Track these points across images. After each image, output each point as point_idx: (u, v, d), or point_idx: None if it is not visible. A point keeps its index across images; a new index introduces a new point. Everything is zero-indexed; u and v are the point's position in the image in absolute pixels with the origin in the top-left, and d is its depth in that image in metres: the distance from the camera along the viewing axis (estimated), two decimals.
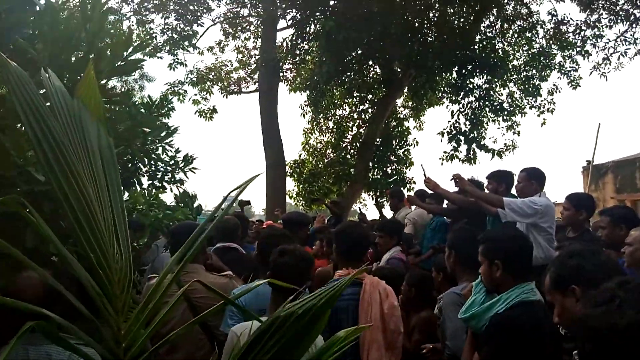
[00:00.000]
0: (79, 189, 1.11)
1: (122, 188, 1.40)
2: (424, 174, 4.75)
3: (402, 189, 9.68)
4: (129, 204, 4.04)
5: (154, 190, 4.81)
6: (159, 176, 4.98)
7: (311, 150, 14.54)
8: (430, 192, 5.69)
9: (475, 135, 11.88)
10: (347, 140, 14.12)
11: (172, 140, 5.00)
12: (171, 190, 5.48)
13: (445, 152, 12.14)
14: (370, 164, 12.97)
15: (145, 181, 4.93)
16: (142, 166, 4.82)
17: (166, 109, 4.94)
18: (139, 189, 4.58)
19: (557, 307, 1.76)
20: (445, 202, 5.47)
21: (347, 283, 1.26)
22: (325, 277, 3.62)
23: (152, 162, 4.67)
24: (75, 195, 1.10)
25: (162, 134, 4.33)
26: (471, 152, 11.91)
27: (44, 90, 1.31)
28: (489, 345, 2.18)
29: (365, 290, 2.77)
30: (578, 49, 12.54)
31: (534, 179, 4.35)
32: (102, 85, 3.01)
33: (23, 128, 2.54)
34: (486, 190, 4.73)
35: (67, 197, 1.09)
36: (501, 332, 2.14)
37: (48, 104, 1.22)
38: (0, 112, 2.38)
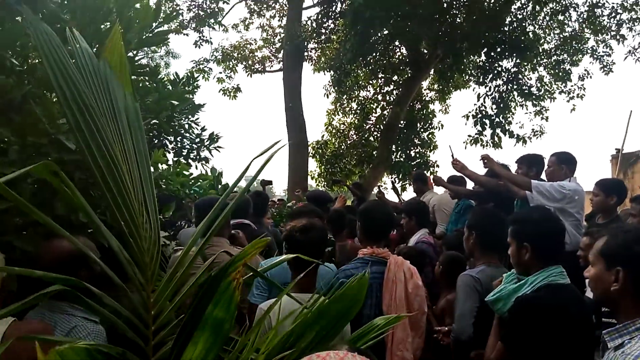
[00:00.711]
0: (108, 155, 1.09)
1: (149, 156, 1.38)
2: (452, 155, 4.65)
3: (425, 172, 9.54)
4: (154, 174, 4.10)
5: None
6: (184, 153, 5.02)
7: (334, 131, 14.43)
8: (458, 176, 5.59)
9: (501, 119, 11.63)
10: (371, 122, 13.97)
11: (198, 118, 5.01)
12: (196, 168, 5.51)
13: (469, 136, 11.95)
14: (394, 146, 12.83)
15: (170, 157, 4.96)
16: (167, 142, 4.84)
17: (192, 86, 4.94)
18: (164, 166, 4.62)
19: (596, 270, 1.70)
20: (471, 184, 5.37)
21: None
22: (351, 253, 3.63)
23: (179, 138, 4.69)
24: (105, 162, 1.08)
25: (188, 109, 4.33)
26: (495, 137, 11.68)
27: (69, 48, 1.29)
28: (511, 326, 2.13)
29: (390, 269, 2.74)
30: (613, 33, 12.09)
31: (564, 163, 4.24)
32: (131, 57, 3.00)
33: (54, 97, 2.55)
34: (516, 174, 4.62)
35: (97, 163, 1.07)
36: (524, 313, 2.07)
37: (73, 60, 1.19)
38: (31, 80, 2.38)
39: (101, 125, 1.11)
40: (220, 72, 14.94)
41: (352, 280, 1.60)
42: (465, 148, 12.02)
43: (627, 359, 1.48)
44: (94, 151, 1.07)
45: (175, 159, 4.92)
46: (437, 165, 13.04)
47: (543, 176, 4.49)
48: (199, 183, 4.20)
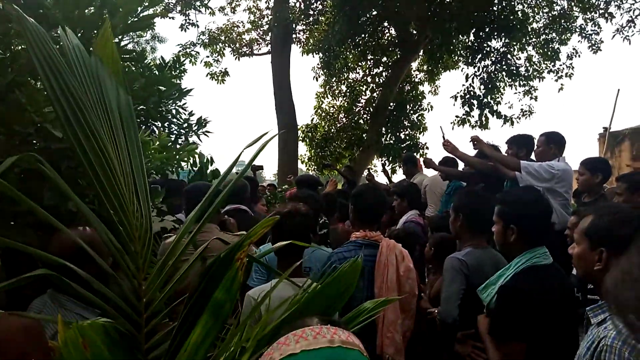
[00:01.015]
0: (97, 146, 1.09)
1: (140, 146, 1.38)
2: (443, 136, 4.67)
3: (415, 154, 9.58)
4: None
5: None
6: (172, 138, 4.98)
7: (323, 114, 14.40)
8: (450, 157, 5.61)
9: (489, 100, 11.64)
10: (360, 104, 13.96)
11: (185, 103, 4.96)
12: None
13: (457, 117, 11.97)
14: (384, 128, 12.84)
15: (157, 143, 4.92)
16: (155, 128, 4.79)
17: (178, 70, 4.89)
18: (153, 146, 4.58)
19: (579, 250, 1.74)
20: (462, 165, 5.40)
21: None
22: (342, 237, 3.65)
23: (166, 123, 4.64)
24: (94, 151, 1.08)
25: (176, 95, 4.28)
26: (483, 118, 11.70)
27: (59, 45, 1.28)
28: (496, 317, 2.14)
29: (382, 253, 2.76)
30: (601, 11, 12.09)
31: (553, 143, 4.28)
32: (116, 43, 2.95)
33: (39, 84, 2.51)
34: (505, 155, 4.65)
35: (86, 153, 1.06)
36: (507, 302, 2.08)
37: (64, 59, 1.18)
38: (15, 68, 2.33)
39: (90, 117, 1.11)
40: (208, 56, 14.79)
41: (345, 265, 1.62)
42: (453, 129, 12.08)
43: (609, 333, 1.52)
44: (82, 142, 1.07)
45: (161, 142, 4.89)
46: (427, 147, 13.11)
47: (533, 157, 4.53)
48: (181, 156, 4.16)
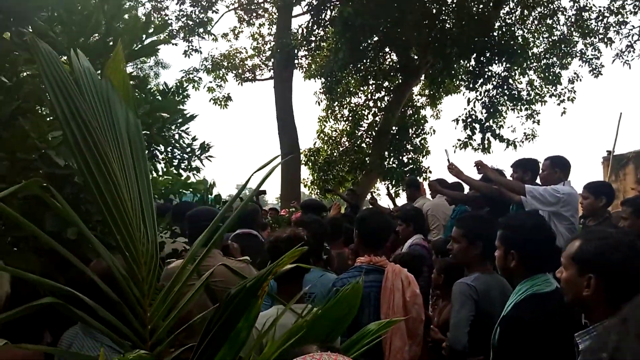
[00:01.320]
0: (106, 170, 1.09)
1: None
2: (448, 159, 4.66)
3: (418, 178, 9.58)
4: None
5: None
6: (175, 163, 4.99)
7: (326, 138, 14.45)
8: (450, 181, 5.60)
9: (491, 123, 11.69)
10: (363, 128, 14.00)
11: (188, 128, 4.99)
12: (187, 178, 5.47)
13: (459, 140, 12.00)
14: (386, 152, 12.86)
15: (160, 168, 4.93)
16: (158, 153, 4.82)
17: (181, 96, 4.93)
18: (155, 175, 4.59)
19: (567, 275, 1.72)
20: (467, 189, 5.39)
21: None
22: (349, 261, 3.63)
23: (169, 148, 4.66)
24: (102, 175, 1.08)
25: (179, 120, 4.31)
26: (485, 141, 11.72)
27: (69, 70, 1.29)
28: (499, 348, 2.10)
29: (388, 278, 2.74)
30: (600, 36, 12.25)
31: (558, 167, 4.28)
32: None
33: (43, 111, 2.53)
34: (510, 179, 4.65)
35: (93, 177, 1.06)
36: (509, 332, 2.05)
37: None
38: (21, 95, 2.36)
39: (99, 141, 1.11)
40: (211, 82, 14.96)
41: (346, 288, 1.60)
42: (455, 152, 12.08)
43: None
44: (90, 165, 1.07)
45: (165, 168, 4.90)
46: (430, 171, 13.11)
47: (539, 180, 4.53)
48: (193, 188, 4.19)
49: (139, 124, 1.30)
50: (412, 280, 2.80)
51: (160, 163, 4.74)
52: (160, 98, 4.25)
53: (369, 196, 8.47)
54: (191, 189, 4.45)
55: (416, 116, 13.89)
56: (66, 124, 1.06)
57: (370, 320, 2.67)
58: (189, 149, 4.96)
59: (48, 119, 2.46)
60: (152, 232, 1.18)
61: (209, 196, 6.01)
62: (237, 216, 1.29)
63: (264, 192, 8.49)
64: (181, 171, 5.04)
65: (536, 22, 12.75)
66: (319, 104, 14.24)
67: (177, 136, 4.74)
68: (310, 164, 13.87)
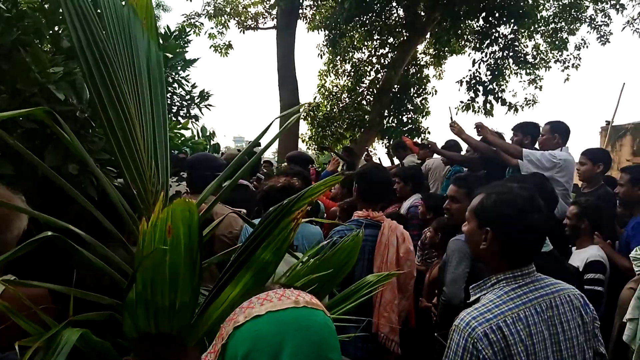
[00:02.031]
0: (118, 103, 1.06)
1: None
2: (451, 117, 4.64)
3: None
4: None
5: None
6: (174, 110, 4.91)
7: (326, 93, 14.28)
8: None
9: (495, 86, 11.58)
10: (364, 85, 13.81)
11: (188, 75, 4.88)
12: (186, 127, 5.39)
13: (461, 102, 11.91)
14: (386, 111, 12.77)
15: None
16: None
17: (183, 40, 4.80)
18: None
19: (468, 228, 1.77)
20: (465, 150, 5.39)
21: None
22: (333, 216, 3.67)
23: (168, 94, 4.59)
24: (114, 108, 1.05)
25: (180, 65, 4.22)
26: (488, 104, 11.64)
27: None
28: None
29: (384, 233, 2.78)
30: (612, 2, 11.94)
31: (558, 132, 4.28)
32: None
33: (45, 46, 2.46)
34: (509, 142, 4.64)
35: (105, 109, 1.03)
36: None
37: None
38: (21, 27, 2.29)
39: (114, 73, 1.07)
40: (212, 28, 14.58)
41: (347, 238, 1.62)
42: (457, 114, 12.01)
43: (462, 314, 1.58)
44: (103, 96, 1.04)
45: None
46: (429, 132, 13.04)
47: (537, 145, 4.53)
48: (193, 144, 4.17)
49: (160, 57, 1.26)
50: (406, 237, 2.85)
51: None
52: (161, 41, 4.15)
53: (365, 154, 8.46)
54: (191, 144, 4.41)
55: (419, 75, 13.71)
56: (81, 52, 1.02)
57: (363, 273, 2.72)
58: (188, 96, 4.88)
59: (50, 55, 2.40)
60: (164, 173, 1.17)
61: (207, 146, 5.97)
62: (251, 165, 1.28)
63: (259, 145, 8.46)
64: (179, 118, 4.97)
65: None
66: (321, 57, 13.98)
67: (176, 83, 4.65)
68: (309, 119, 13.76)
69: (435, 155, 6.25)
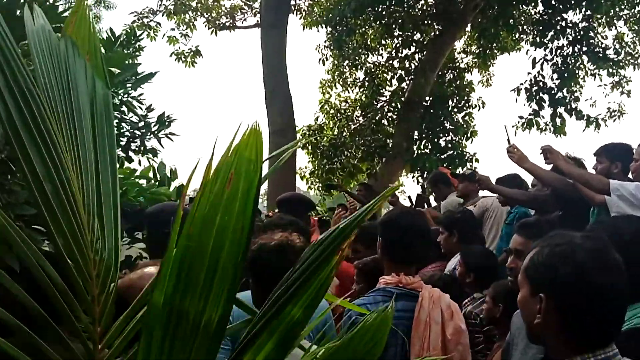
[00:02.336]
0: (45, 147, 1.09)
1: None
2: (508, 140, 4.63)
3: (446, 169, 9.44)
4: None
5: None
6: (122, 143, 4.93)
7: (332, 111, 14.42)
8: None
9: (565, 94, 11.67)
10: (384, 98, 13.99)
11: (142, 94, 4.92)
12: (139, 164, 5.41)
13: (521, 118, 11.98)
14: (416, 132, 12.87)
15: None
16: None
17: (133, 47, 4.88)
18: None
19: (520, 296, 1.73)
20: (530, 184, 5.38)
21: None
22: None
23: (115, 121, 4.64)
24: (38, 153, 1.07)
25: (130, 83, 4.28)
26: (557, 118, 11.71)
27: None
28: None
29: (423, 307, 2.75)
30: None
31: None
32: (50, 5, 2.97)
33: None
34: (592, 171, 4.63)
35: (25, 151, 1.06)
36: None
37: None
38: None
39: (42, 117, 1.11)
40: (173, 29, 14.90)
41: (370, 316, 1.59)
42: (515, 134, 12.01)
43: None
44: (25, 142, 1.07)
45: None
46: (477, 159, 13.09)
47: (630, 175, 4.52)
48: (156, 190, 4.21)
49: (109, 97, 1.30)
50: (455, 311, 2.82)
51: None
52: (104, 50, 4.22)
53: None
54: (149, 193, 4.44)
55: (459, 82, 13.90)
56: None
57: None
58: (142, 123, 4.92)
59: None
60: (112, 237, 1.18)
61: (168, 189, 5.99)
62: None
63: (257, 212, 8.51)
64: (131, 154, 4.98)
65: None
66: (323, 63, 14.21)
67: (125, 106, 4.69)
68: (309, 148, 13.85)
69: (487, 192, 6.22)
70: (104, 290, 1.17)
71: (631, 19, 12.67)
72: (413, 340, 2.75)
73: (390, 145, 12.87)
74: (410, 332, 2.76)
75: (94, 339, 1.15)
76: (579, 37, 11.65)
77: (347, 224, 1.17)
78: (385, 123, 13.71)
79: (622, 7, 12.37)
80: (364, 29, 12.82)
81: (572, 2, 11.07)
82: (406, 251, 2.94)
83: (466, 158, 13.01)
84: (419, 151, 12.88)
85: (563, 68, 11.67)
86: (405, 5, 12.36)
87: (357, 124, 14.06)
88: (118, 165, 4.79)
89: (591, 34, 11.78)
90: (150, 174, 4.93)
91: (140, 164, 5.29)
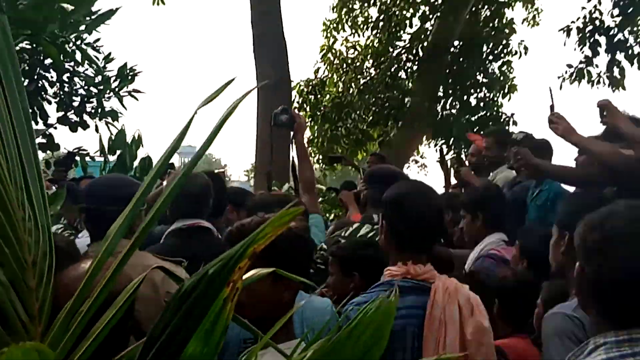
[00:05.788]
0: None
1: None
2: (552, 105, 4.56)
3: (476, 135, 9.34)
4: None
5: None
6: (76, 104, 4.87)
7: (337, 61, 14.33)
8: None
9: (627, 35, 11.56)
10: (402, 44, 13.90)
11: (99, 40, 4.84)
12: (97, 130, 5.32)
13: (569, 67, 11.87)
14: (441, 88, 12.82)
15: (52, 110, 4.81)
16: (47, 85, 4.71)
17: None
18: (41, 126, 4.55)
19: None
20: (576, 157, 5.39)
21: None
22: None
23: (66, 75, 4.62)
24: None
25: (85, 23, 4.25)
26: (616, 67, 11.63)
27: None
28: None
29: (436, 302, 2.78)
30: None
31: None
32: None
33: None
34: None
35: None
36: None
37: None
38: None
39: None
40: None
41: (369, 307, 1.64)
42: (561, 88, 11.78)
43: None
44: None
45: (60, 113, 4.84)
46: (514, 122, 12.95)
47: None
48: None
49: (5, 22, 1.28)
50: (476, 305, 2.81)
51: (50, 102, 4.67)
52: None
53: (408, 165, 8.48)
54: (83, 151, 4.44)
55: (497, 22, 13.73)
56: None
57: None
58: (99, 78, 4.87)
59: None
60: (43, 214, 1.20)
61: (132, 161, 5.90)
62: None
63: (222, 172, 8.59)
64: (86, 118, 4.94)
65: None
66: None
67: (79, 52, 4.63)
68: (308, 108, 13.82)
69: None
70: (41, 279, 1.20)
71: None
72: (426, 340, 2.77)
73: (408, 105, 12.82)
74: (422, 332, 2.81)
75: (33, 335, 1.18)
76: None
77: (246, 242, 1.13)
78: (403, 76, 13.66)
79: None
80: None
81: None
82: (415, 236, 2.97)
83: (503, 120, 12.92)
84: (444, 112, 12.85)
85: (625, 2, 11.48)
86: None
87: (368, 78, 13.96)
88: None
89: None
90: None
91: (97, 130, 5.21)
